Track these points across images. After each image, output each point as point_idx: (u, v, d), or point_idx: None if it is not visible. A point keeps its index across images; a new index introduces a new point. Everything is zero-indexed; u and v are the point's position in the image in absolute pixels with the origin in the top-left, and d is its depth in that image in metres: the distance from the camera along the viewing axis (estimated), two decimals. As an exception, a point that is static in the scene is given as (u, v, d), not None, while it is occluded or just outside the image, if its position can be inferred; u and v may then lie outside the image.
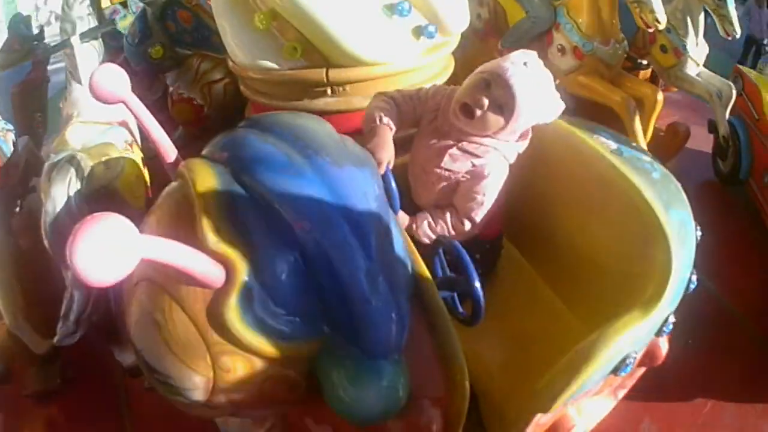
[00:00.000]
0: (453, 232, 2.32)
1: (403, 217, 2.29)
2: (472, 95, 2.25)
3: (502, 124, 2.24)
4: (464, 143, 2.31)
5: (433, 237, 2.27)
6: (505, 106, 2.21)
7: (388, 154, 2.14)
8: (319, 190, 1.50)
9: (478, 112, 2.23)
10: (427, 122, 2.43)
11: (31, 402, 3.06)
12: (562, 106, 2.32)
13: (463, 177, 2.32)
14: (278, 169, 1.53)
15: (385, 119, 2.30)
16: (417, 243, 1.86)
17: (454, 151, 2.32)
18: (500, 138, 2.30)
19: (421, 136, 2.44)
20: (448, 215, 2.33)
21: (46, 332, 2.71)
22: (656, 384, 2.56)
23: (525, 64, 2.23)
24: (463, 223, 2.32)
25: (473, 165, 2.31)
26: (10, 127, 4.30)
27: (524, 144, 2.37)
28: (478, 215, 2.31)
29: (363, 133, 2.26)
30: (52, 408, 3.06)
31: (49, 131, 4.96)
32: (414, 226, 2.30)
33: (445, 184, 2.36)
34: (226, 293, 1.42)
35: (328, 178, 1.52)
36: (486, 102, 2.22)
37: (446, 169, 2.33)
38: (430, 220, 2.32)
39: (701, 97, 4.12)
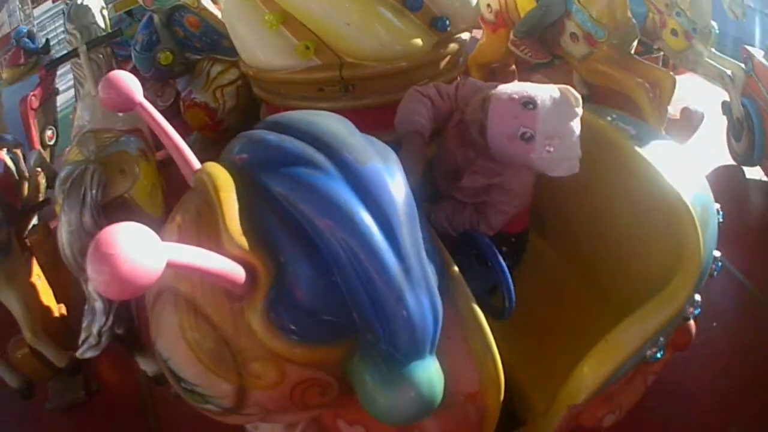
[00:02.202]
0: (468, 226, 2.25)
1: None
2: (470, 109, 2.19)
3: (487, 146, 2.17)
4: (482, 159, 2.23)
5: (448, 228, 2.21)
6: (483, 131, 2.14)
7: (417, 168, 2.10)
8: (344, 188, 1.47)
9: (472, 130, 2.18)
10: (455, 121, 2.35)
11: (56, 416, 3.06)
12: (573, 167, 2.11)
13: (483, 190, 2.25)
14: (300, 168, 1.50)
15: (420, 124, 2.23)
16: (444, 237, 1.84)
17: (475, 169, 2.24)
18: (510, 164, 2.19)
19: (447, 135, 2.37)
20: (467, 213, 2.26)
21: (67, 345, 2.71)
22: (682, 368, 2.54)
23: (527, 103, 2.05)
24: (479, 224, 2.24)
25: (494, 180, 2.22)
26: (20, 141, 4.29)
27: None
28: (498, 220, 2.25)
29: (380, 130, 2.25)
30: (77, 421, 3.07)
31: (62, 143, 4.97)
32: (432, 215, 2.23)
33: (467, 192, 2.29)
34: (252, 298, 1.39)
35: (352, 176, 1.49)
36: (469, 117, 2.18)
37: (466, 187, 2.26)
38: (449, 214, 2.26)
39: (713, 80, 4.11)
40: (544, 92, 2.07)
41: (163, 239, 1.11)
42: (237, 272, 1.34)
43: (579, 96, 2.05)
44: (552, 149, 2.03)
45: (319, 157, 1.52)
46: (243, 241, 1.40)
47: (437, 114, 2.31)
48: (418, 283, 1.48)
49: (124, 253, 1.03)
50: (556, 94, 2.06)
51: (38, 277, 3.14)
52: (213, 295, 1.44)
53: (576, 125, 2.06)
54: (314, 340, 1.44)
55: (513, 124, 2.05)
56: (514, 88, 2.13)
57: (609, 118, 2.36)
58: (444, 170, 2.38)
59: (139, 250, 1.05)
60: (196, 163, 1.73)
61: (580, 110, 2.06)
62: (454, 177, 2.30)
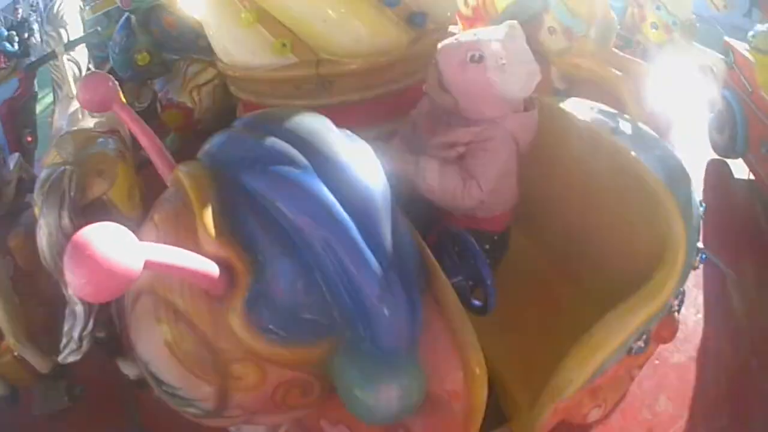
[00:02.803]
0: (458, 188, 2.18)
1: (406, 158, 2.22)
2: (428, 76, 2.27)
3: (454, 101, 2.20)
4: (460, 118, 2.24)
5: (434, 185, 2.17)
6: (441, 82, 2.20)
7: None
8: (321, 186, 1.46)
9: (429, 92, 2.25)
10: (423, 119, 2.39)
11: (41, 421, 3.04)
12: (534, 77, 2.17)
13: (462, 147, 2.23)
14: (277, 166, 1.49)
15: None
16: (424, 236, 1.82)
17: (447, 126, 2.26)
18: (472, 116, 2.21)
19: (420, 129, 2.38)
20: (456, 172, 2.19)
21: (50, 351, 2.68)
22: (669, 361, 2.54)
23: (468, 36, 2.18)
24: (470, 181, 2.18)
25: (472, 132, 2.20)
26: (1, 145, 4.25)
27: (530, 116, 2.26)
28: (487, 177, 2.18)
29: (358, 126, 2.24)
30: (61, 427, 3.04)
31: (41, 146, 4.93)
32: (414, 170, 2.19)
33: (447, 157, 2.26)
34: (231, 299, 1.38)
35: (329, 173, 1.49)
36: (428, 81, 2.24)
37: (445, 144, 2.25)
38: (435, 169, 2.18)
39: (694, 72, 4.13)
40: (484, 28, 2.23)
41: (141, 239, 1.10)
42: (215, 271, 1.33)
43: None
44: (504, 61, 2.09)
45: (296, 155, 1.51)
46: (220, 240, 1.39)
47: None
48: (398, 280, 1.48)
49: (101, 254, 1.02)
50: (497, 27, 2.19)
51: (19, 282, 3.11)
52: (192, 296, 1.43)
53: (522, 40, 2.16)
54: (294, 339, 1.43)
55: (459, 51, 2.13)
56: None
57: (590, 112, 2.36)
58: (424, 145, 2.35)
59: (116, 250, 1.04)
60: (173, 163, 1.72)
61: (522, 33, 2.18)
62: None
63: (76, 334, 2.43)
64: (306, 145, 1.54)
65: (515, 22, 2.20)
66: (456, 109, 2.21)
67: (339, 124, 1.70)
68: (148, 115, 5.12)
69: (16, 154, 4.40)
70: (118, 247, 1.05)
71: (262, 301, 1.39)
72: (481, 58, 2.08)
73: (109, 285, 1.04)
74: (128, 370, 2.89)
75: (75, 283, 1.03)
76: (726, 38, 4.13)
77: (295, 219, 1.44)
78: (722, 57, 4.00)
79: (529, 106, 2.28)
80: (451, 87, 2.16)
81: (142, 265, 1.08)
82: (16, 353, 2.83)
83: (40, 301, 3.09)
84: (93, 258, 1.02)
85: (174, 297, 1.45)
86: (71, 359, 2.48)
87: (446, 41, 2.22)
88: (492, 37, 2.13)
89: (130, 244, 1.07)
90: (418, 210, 2.32)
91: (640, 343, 1.99)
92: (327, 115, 1.71)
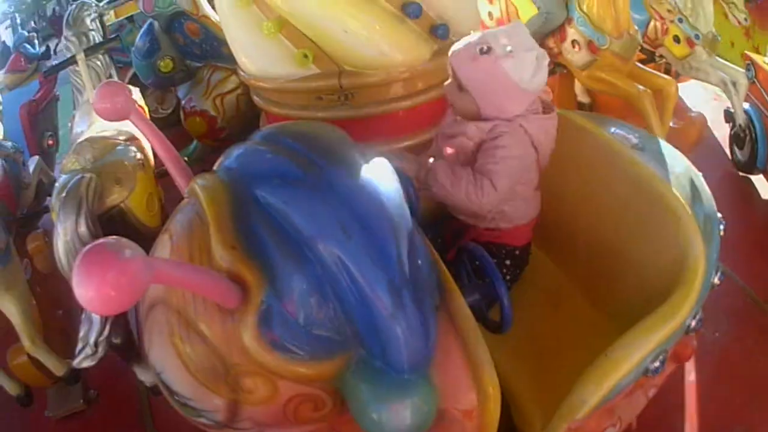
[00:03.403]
0: (470, 187, 2.15)
1: (414, 160, 2.28)
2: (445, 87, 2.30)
3: (474, 101, 2.20)
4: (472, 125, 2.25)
5: (446, 185, 2.16)
6: (459, 82, 2.21)
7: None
8: (336, 202, 1.46)
9: (451, 101, 2.27)
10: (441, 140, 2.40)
11: (55, 423, 3.05)
12: (543, 61, 2.20)
13: (472, 143, 2.24)
14: (292, 181, 1.49)
15: None
16: (440, 252, 1.82)
17: (465, 129, 2.26)
18: (494, 115, 2.20)
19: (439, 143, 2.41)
20: (468, 171, 2.18)
21: (66, 354, 2.69)
22: (686, 379, 2.53)
23: (477, 42, 2.18)
24: (483, 182, 2.15)
25: (480, 128, 2.21)
26: (21, 148, 4.29)
27: (550, 118, 2.27)
28: (499, 178, 2.15)
29: (379, 139, 2.24)
30: (76, 428, 3.05)
31: (61, 150, 4.96)
32: (426, 171, 2.22)
33: (459, 151, 2.29)
34: (244, 313, 1.38)
35: (344, 189, 1.48)
36: (446, 89, 2.27)
37: (453, 134, 2.29)
38: (447, 168, 2.20)
39: (716, 87, 4.11)
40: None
41: (156, 251, 1.11)
42: (226, 287, 1.33)
43: None
44: (510, 47, 2.13)
45: (312, 169, 1.51)
46: (234, 254, 1.39)
47: None
48: (412, 298, 1.47)
49: (107, 269, 1.04)
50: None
51: (37, 285, 3.13)
52: (205, 309, 1.43)
53: (525, 32, 2.23)
54: (306, 355, 1.43)
55: (468, 48, 2.18)
56: None
57: (609, 127, 2.35)
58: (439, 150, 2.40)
59: (122, 266, 1.05)
60: (190, 174, 1.72)
61: (524, 28, 2.26)
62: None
63: (91, 340, 2.43)
64: (323, 159, 1.54)
65: (518, 20, 2.26)
66: (477, 113, 2.21)
67: (361, 136, 1.70)
68: (172, 122, 5.15)
69: (36, 158, 4.44)
70: (124, 262, 1.06)
71: (274, 316, 1.38)
72: (489, 50, 2.12)
73: (115, 299, 1.05)
74: (144, 376, 2.89)
75: (82, 297, 1.04)
76: (747, 52, 4.11)
77: (308, 234, 1.43)
78: (744, 71, 3.97)
79: (547, 109, 2.28)
80: (468, 84, 2.18)
81: (149, 280, 1.09)
82: (31, 354, 2.85)
83: (56, 304, 3.11)
84: (99, 273, 1.04)
85: (187, 309, 1.45)
86: (86, 364, 2.48)
87: (454, 46, 2.25)
88: (494, 31, 2.21)
89: (137, 259, 1.08)
90: (441, 225, 2.34)
91: (657, 364, 1.96)
92: (349, 128, 1.71)
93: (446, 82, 2.27)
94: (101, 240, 1.09)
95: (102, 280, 1.03)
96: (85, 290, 1.03)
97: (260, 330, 1.37)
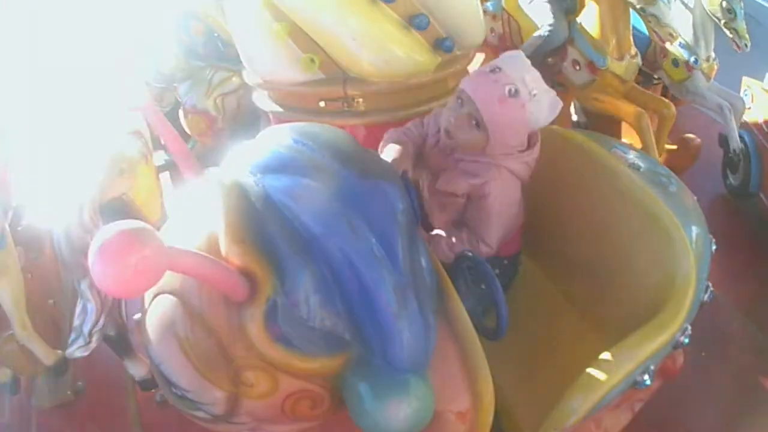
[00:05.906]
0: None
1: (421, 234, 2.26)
2: (447, 115, 2.23)
3: (485, 138, 2.18)
4: (463, 162, 2.25)
5: (452, 256, 2.14)
6: (478, 120, 2.15)
7: (405, 163, 2.15)
8: (345, 201, 1.48)
9: (454, 132, 2.21)
10: (432, 144, 2.37)
11: (42, 413, 3.04)
12: (557, 104, 2.22)
13: (462, 198, 2.25)
14: (303, 179, 1.51)
15: (403, 138, 2.30)
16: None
17: (449, 173, 2.27)
18: (496, 152, 2.21)
19: (428, 157, 2.38)
20: (464, 234, 2.25)
21: (56, 344, 2.69)
22: (670, 397, 2.55)
23: (494, 70, 2.15)
24: (479, 244, 2.23)
25: (471, 185, 2.22)
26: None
27: (532, 153, 2.27)
28: (491, 235, 2.23)
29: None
30: (62, 420, 3.05)
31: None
32: (431, 247, 2.19)
33: (451, 204, 2.29)
34: (250, 306, 1.39)
35: (353, 190, 1.50)
36: (454, 121, 2.20)
37: (446, 192, 2.27)
38: (448, 240, 2.25)
39: (712, 111, 4.14)
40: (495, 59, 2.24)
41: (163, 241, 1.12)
42: (236, 279, 1.35)
43: None
44: (535, 92, 2.12)
45: (321, 168, 1.53)
46: (244, 247, 1.40)
47: (417, 140, 2.37)
48: (414, 299, 1.49)
49: (129, 252, 1.04)
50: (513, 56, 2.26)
51: (29, 274, 3.12)
52: (211, 300, 1.44)
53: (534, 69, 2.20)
54: (309, 350, 1.44)
55: (497, 87, 2.11)
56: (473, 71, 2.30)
57: (607, 145, 2.38)
58: (428, 187, 2.39)
59: (144, 250, 1.06)
60: (199, 169, 1.73)
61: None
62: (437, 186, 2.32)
63: (86, 330, 2.45)
64: (331, 158, 1.56)
65: (519, 51, 2.29)
66: (481, 148, 2.21)
67: (363, 143, 1.72)
68: (170, 120, 5.14)
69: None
70: (145, 246, 1.07)
71: (280, 310, 1.40)
72: (517, 92, 2.09)
73: (133, 283, 1.06)
74: (135, 370, 2.90)
75: (100, 277, 1.05)
76: (745, 78, 4.15)
77: (316, 231, 1.46)
78: (741, 96, 4.02)
79: (532, 142, 2.28)
80: (490, 123, 2.13)
81: (165, 267, 1.10)
82: (21, 342, 2.84)
83: (48, 293, 3.10)
84: (121, 254, 1.05)
85: (191, 299, 1.46)
86: (78, 354, 2.50)
87: (472, 79, 2.22)
88: (518, 68, 2.16)
89: (157, 245, 1.09)
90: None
91: (645, 377, 1.99)
92: (352, 134, 1.73)
93: (454, 114, 2.21)
94: (123, 222, 1.10)
95: (125, 263, 1.04)
96: (103, 270, 1.04)
97: (266, 324, 1.38)
